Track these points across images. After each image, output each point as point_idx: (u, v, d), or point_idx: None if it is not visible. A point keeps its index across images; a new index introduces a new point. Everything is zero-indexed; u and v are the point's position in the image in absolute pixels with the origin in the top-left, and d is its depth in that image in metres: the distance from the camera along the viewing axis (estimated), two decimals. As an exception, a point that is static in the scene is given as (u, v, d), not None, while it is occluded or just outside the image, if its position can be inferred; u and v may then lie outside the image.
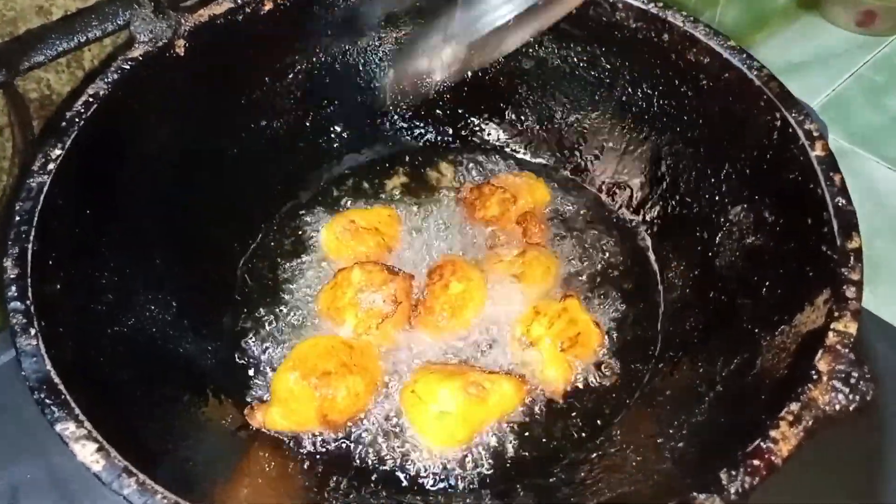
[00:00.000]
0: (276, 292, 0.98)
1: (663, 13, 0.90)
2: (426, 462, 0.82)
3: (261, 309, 0.96)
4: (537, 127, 1.11)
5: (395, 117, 1.14)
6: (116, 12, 0.97)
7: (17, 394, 0.61)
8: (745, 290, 0.80)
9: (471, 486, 0.80)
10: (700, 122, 0.91)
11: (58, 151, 0.76)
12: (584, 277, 0.99)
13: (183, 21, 0.89)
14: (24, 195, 0.72)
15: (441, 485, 0.81)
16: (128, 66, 0.85)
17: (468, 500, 0.78)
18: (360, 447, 0.84)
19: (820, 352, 0.62)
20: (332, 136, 1.11)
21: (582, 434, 0.85)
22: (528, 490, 0.77)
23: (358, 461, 0.83)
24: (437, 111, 1.14)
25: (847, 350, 0.61)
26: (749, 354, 0.73)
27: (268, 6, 0.94)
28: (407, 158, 1.14)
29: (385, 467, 0.82)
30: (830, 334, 0.62)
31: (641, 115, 0.99)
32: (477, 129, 1.14)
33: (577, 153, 1.10)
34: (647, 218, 1.02)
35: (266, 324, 0.94)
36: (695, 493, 0.56)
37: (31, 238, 0.70)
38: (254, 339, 0.93)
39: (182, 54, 0.89)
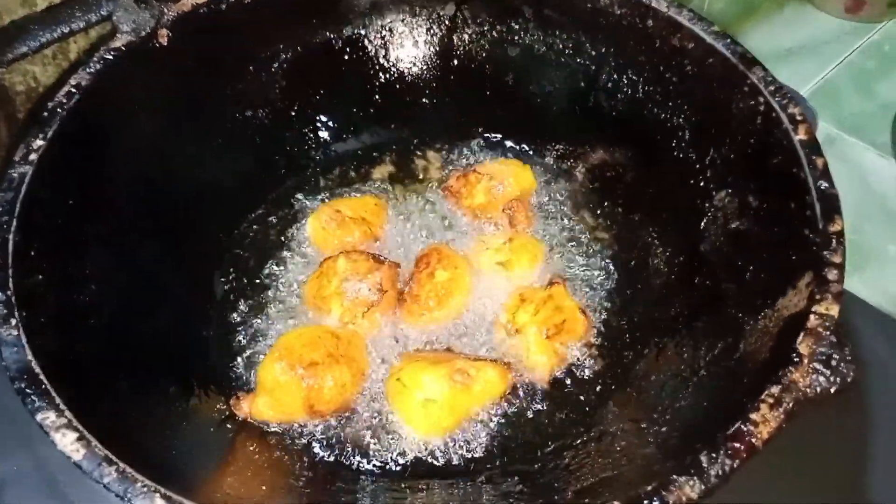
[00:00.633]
0: (261, 282, 0.98)
1: (648, -1, 0.90)
2: (412, 449, 0.82)
3: (246, 299, 0.96)
4: (523, 114, 1.10)
5: (381, 105, 1.14)
6: (99, 3, 0.96)
7: (2, 386, 0.61)
8: (730, 274, 0.81)
9: (456, 473, 0.81)
10: (685, 108, 0.91)
11: (40, 142, 0.76)
12: (571, 264, 0.99)
13: (165, 11, 0.89)
14: (4, 185, 0.72)
15: (426, 472, 0.81)
16: (110, 57, 0.85)
17: (453, 487, 0.78)
18: (347, 436, 0.84)
19: (801, 334, 0.62)
20: (318, 125, 1.11)
21: (567, 420, 0.85)
22: (513, 476, 0.77)
23: (344, 450, 0.83)
24: (423, 99, 1.13)
25: (828, 332, 0.61)
26: (732, 339, 0.73)
27: (251, -6, 0.94)
28: (393, 147, 1.13)
29: (371, 455, 0.83)
30: (812, 317, 0.63)
31: (627, 102, 0.99)
32: (463, 117, 1.14)
33: (563, 140, 1.10)
34: (634, 204, 1.02)
35: (252, 314, 0.94)
36: (675, 476, 0.56)
37: (13, 228, 0.70)
38: (239, 329, 0.93)
39: (165, 44, 0.89)
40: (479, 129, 1.14)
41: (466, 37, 1.09)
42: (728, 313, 0.77)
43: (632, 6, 0.91)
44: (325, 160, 1.12)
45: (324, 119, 1.11)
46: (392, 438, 0.83)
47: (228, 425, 0.82)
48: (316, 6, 1.02)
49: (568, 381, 0.88)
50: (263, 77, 1.03)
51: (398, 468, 0.82)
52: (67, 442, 0.58)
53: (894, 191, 1.36)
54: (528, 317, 0.88)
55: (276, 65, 1.03)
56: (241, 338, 0.92)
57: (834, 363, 0.60)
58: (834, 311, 0.63)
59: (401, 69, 1.12)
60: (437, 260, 0.93)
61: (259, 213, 1.05)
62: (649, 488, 0.56)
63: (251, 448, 0.80)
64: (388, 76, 1.12)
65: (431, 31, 1.10)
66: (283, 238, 1.02)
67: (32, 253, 0.71)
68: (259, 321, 0.94)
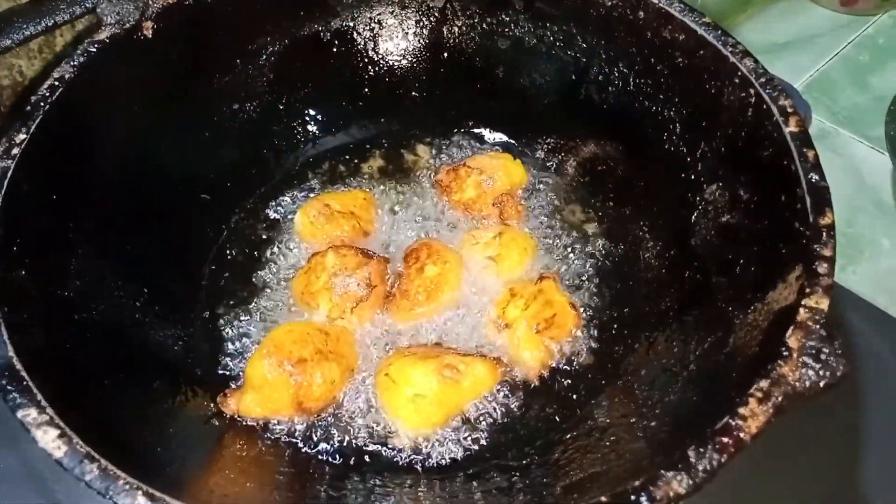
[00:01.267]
0: (249, 277, 0.97)
1: (638, -10, 0.89)
2: (401, 445, 0.82)
3: (234, 294, 0.95)
4: (514, 107, 1.10)
5: (370, 99, 1.13)
6: (84, -6, 0.96)
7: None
8: (720, 268, 0.80)
9: (445, 469, 0.80)
10: (676, 101, 0.90)
11: (22, 136, 0.75)
12: (561, 259, 0.98)
13: (150, 3, 0.88)
14: (-14, 180, 0.71)
15: (415, 467, 0.80)
16: (94, 49, 0.84)
17: (442, 483, 0.78)
18: (335, 432, 0.83)
19: (791, 328, 0.61)
20: (307, 118, 1.10)
21: (557, 415, 0.84)
22: (502, 471, 0.77)
23: (333, 446, 0.82)
24: (413, 93, 1.12)
25: (818, 326, 0.61)
26: (722, 333, 0.73)
27: (238, -14, 0.93)
28: (383, 141, 1.13)
29: (360, 452, 0.82)
30: (802, 310, 0.62)
31: (618, 95, 0.98)
32: (453, 110, 1.13)
33: (553, 133, 1.09)
34: (624, 198, 1.01)
35: (239, 309, 0.94)
36: (663, 471, 0.55)
37: (-6, 223, 0.69)
38: (227, 325, 0.92)
39: (150, 36, 0.88)
40: (470, 123, 1.14)
41: (456, 29, 1.08)
42: (718, 307, 0.77)
43: (623, -3, 0.91)
44: (314, 154, 1.11)
45: (312, 113, 1.10)
46: (381, 434, 0.83)
47: (215, 422, 0.81)
48: (304, -3, 1.02)
49: (558, 376, 0.87)
50: (250, 70, 1.02)
51: (387, 464, 0.81)
52: (49, 439, 0.57)
53: (888, 184, 1.35)
54: (518, 311, 0.87)
55: (263, 57, 1.02)
56: (228, 334, 0.91)
57: (823, 357, 0.59)
58: (824, 304, 0.62)
59: (390, 62, 1.11)
60: (426, 255, 0.92)
61: (247, 207, 1.04)
62: (637, 483, 0.55)
63: (238, 445, 0.80)
64: (377, 69, 1.11)
65: (421, 24, 1.09)
66: (271, 233, 1.02)
67: (15, 248, 0.70)
68: (247, 317, 0.93)
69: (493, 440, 0.82)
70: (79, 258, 0.78)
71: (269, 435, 0.82)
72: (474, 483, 0.77)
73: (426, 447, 0.82)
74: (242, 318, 0.93)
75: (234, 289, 0.96)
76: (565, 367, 0.88)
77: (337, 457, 0.82)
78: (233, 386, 0.86)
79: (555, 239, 1.00)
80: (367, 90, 1.12)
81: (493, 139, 1.13)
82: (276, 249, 1.00)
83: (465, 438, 0.82)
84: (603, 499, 0.56)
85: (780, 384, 0.58)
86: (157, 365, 0.83)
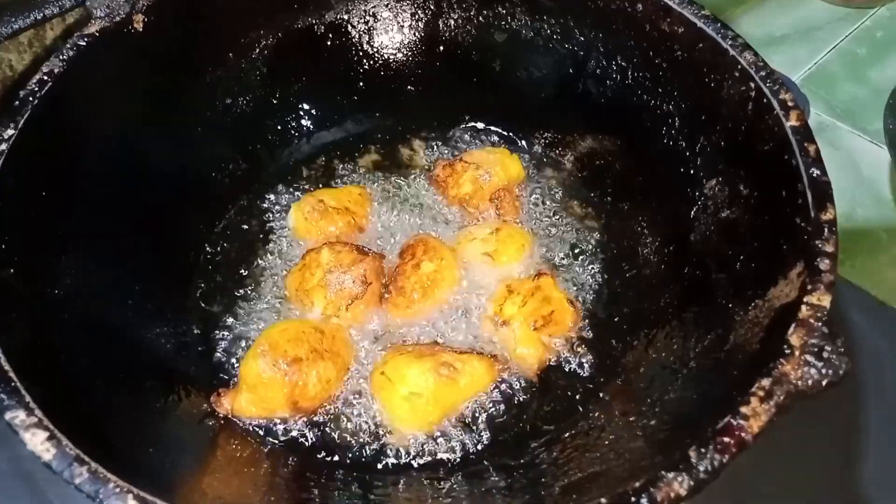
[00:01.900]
0: (243, 275, 0.96)
1: (637, -18, 0.88)
2: (397, 445, 0.81)
3: (227, 292, 0.94)
4: (511, 101, 1.09)
5: (365, 93, 1.11)
6: (73, -13, 0.94)
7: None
8: (720, 264, 0.79)
9: (441, 468, 0.79)
10: (675, 95, 0.89)
11: (10, 131, 0.74)
12: (559, 255, 0.97)
13: (141, -5, 0.87)
14: (-29, 177, 0.70)
15: (411, 466, 0.79)
16: (83, 43, 0.82)
17: (439, 482, 0.77)
18: (331, 432, 0.82)
19: (792, 326, 0.60)
20: (301, 113, 1.09)
21: (555, 413, 0.83)
22: (500, 471, 0.76)
23: (328, 446, 0.81)
24: (409, 87, 1.11)
25: (820, 323, 0.60)
26: (723, 330, 0.72)
27: (229, -22, 0.92)
28: (378, 136, 1.12)
29: (356, 451, 0.81)
30: (803, 308, 0.61)
31: (616, 89, 0.97)
32: (449, 104, 1.12)
33: (551, 128, 1.08)
34: (623, 193, 1.00)
35: (233, 307, 0.92)
36: (663, 472, 0.54)
37: (-20, 221, 0.67)
38: (220, 324, 0.91)
39: (141, 30, 0.87)
40: (466, 117, 1.13)
41: (452, 22, 1.07)
42: (718, 304, 0.76)
43: (621, -11, 0.90)
44: (308, 149, 1.10)
45: (306, 107, 1.09)
46: (377, 433, 0.82)
47: (209, 422, 0.81)
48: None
49: (556, 374, 0.86)
50: (243, 64, 1.01)
51: (383, 463, 0.80)
52: (37, 441, 0.56)
53: (886, 178, 1.35)
54: (516, 308, 0.86)
55: (256, 51, 1.01)
56: (222, 332, 0.90)
57: (826, 355, 0.58)
58: (826, 301, 0.61)
59: (385, 56, 1.10)
60: (422, 251, 0.91)
61: (240, 203, 1.03)
62: (637, 484, 0.54)
63: (232, 446, 0.79)
64: (372, 63, 1.10)
65: (416, 17, 1.08)
66: (265, 229, 1.01)
67: (3, 246, 0.69)
68: (241, 315, 0.92)
69: (490, 439, 0.81)
70: (68, 256, 0.77)
71: (263, 435, 0.81)
72: (472, 482, 0.76)
73: (423, 446, 0.81)
74: (236, 316, 0.92)
75: (227, 286, 0.94)
76: (563, 364, 0.87)
77: (332, 457, 0.81)
78: (227, 385, 0.85)
79: (552, 235, 0.99)
80: (362, 84, 1.10)
81: (490, 133, 1.12)
82: (269, 246, 0.98)
83: (462, 437, 0.81)
84: (603, 500, 0.55)
85: (782, 383, 0.57)
86: (149, 364, 0.82)
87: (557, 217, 1.01)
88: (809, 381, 0.57)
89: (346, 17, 1.05)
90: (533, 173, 1.06)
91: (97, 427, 0.65)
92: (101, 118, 0.85)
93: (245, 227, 1.01)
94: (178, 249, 0.95)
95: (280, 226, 1.00)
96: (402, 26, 1.08)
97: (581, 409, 0.83)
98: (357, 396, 0.84)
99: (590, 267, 0.96)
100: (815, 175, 0.69)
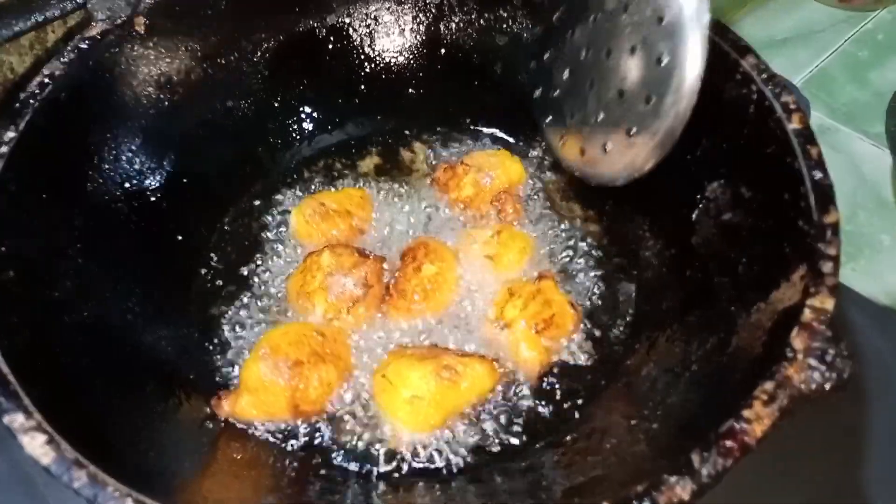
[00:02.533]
0: (244, 278, 0.95)
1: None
2: (398, 447, 0.80)
3: (228, 294, 0.94)
4: (512, 104, 1.08)
5: (367, 96, 1.11)
6: (74, -11, 0.94)
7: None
8: (722, 267, 0.79)
9: (442, 471, 0.79)
10: (676, 97, 0.89)
11: (11, 134, 0.74)
12: (560, 257, 0.97)
13: (142, -3, 0.87)
14: (-28, 179, 0.70)
15: (413, 470, 0.79)
16: (85, 45, 0.83)
17: (440, 485, 0.77)
18: (332, 435, 0.82)
19: (795, 329, 0.60)
20: (302, 116, 1.08)
21: (556, 417, 0.83)
22: (501, 474, 0.76)
23: (329, 449, 0.81)
24: (410, 90, 1.11)
25: (823, 327, 0.60)
26: (725, 333, 0.72)
27: (232, -20, 0.92)
28: (379, 139, 1.11)
29: (357, 454, 0.81)
30: (806, 311, 0.61)
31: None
32: (451, 107, 1.12)
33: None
34: (624, 196, 1.00)
35: (234, 310, 0.92)
36: (666, 476, 0.54)
37: (-19, 223, 0.67)
38: (221, 326, 0.91)
39: (142, 32, 0.87)
40: (467, 120, 1.12)
41: (453, 25, 1.07)
42: (720, 307, 0.76)
43: (621, -7, 0.89)
44: (309, 152, 1.09)
45: (308, 110, 1.09)
46: (378, 436, 0.82)
47: (209, 426, 0.80)
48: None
49: (557, 377, 0.86)
50: (245, 67, 1.01)
51: (384, 467, 0.80)
52: (36, 445, 0.56)
53: (888, 180, 1.35)
54: (517, 311, 0.86)
55: (258, 54, 1.01)
56: (222, 335, 0.90)
57: (829, 358, 0.58)
58: (829, 304, 0.61)
59: (387, 59, 1.10)
60: (423, 254, 0.91)
61: (241, 206, 1.03)
62: (640, 489, 0.54)
63: (233, 449, 0.78)
64: (373, 66, 1.10)
65: (418, 20, 1.08)
66: (265, 232, 1.00)
67: (3, 248, 0.69)
68: (241, 318, 0.91)
69: (491, 442, 0.81)
70: (68, 259, 0.77)
71: (264, 438, 0.81)
72: (473, 486, 0.76)
73: (424, 449, 0.80)
74: (237, 318, 0.91)
75: (228, 289, 0.94)
76: (565, 367, 0.87)
77: (334, 460, 0.80)
78: (228, 388, 0.84)
79: (553, 237, 0.99)
80: (363, 87, 1.10)
81: (492, 136, 1.12)
82: (270, 249, 0.98)
83: (463, 440, 0.81)
84: (605, 504, 0.55)
85: (785, 386, 0.57)
86: (150, 367, 0.81)
87: (559, 219, 1.01)
88: (813, 385, 0.57)
89: (347, 20, 1.05)
90: (534, 176, 1.05)
91: (96, 430, 0.65)
92: (101, 120, 0.85)
93: (246, 229, 1.01)
94: (178, 252, 0.95)
95: (281, 228, 1.00)
96: (404, 29, 1.08)
97: (583, 412, 0.83)
98: (358, 399, 0.84)
99: (591, 270, 0.96)
100: (817, 178, 0.68)
